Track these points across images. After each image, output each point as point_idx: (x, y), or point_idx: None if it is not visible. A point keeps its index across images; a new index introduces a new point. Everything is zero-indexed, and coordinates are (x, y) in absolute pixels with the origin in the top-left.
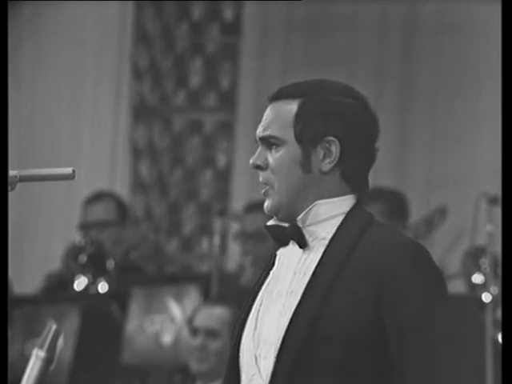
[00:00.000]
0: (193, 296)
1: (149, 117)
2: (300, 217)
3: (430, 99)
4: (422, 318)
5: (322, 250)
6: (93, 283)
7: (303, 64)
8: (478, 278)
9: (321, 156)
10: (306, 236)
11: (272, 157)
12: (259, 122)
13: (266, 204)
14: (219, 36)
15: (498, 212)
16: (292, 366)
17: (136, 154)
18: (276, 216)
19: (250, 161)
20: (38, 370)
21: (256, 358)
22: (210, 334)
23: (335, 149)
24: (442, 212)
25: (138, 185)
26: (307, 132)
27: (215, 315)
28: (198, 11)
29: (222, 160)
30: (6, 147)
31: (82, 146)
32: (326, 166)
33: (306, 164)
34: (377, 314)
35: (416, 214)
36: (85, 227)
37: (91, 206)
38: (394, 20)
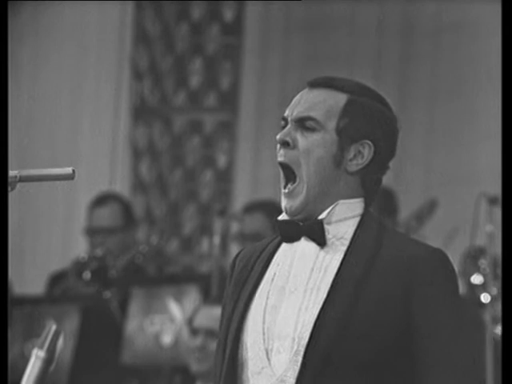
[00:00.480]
0: (193, 296)
1: (149, 117)
2: (324, 215)
3: (428, 99)
4: (453, 321)
5: (341, 248)
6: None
7: (303, 64)
8: (477, 279)
9: (351, 155)
10: (326, 234)
11: (305, 139)
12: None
13: (290, 204)
14: (219, 36)
15: (498, 212)
16: (322, 363)
17: (136, 154)
18: (294, 216)
19: (278, 136)
20: (38, 371)
21: (267, 352)
22: (210, 334)
23: (368, 153)
24: (431, 204)
25: (138, 185)
26: (350, 128)
27: (215, 315)
28: (197, 11)
29: (222, 160)
30: (6, 147)
31: (82, 146)
32: (353, 166)
33: (337, 158)
34: (407, 314)
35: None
36: (90, 232)
37: (97, 209)
38: (392, 21)
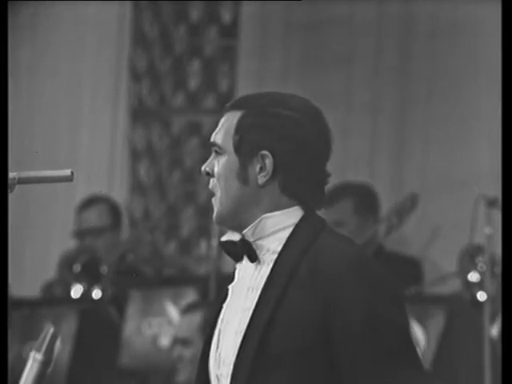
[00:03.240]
0: (191, 298)
1: (147, 118)
2: (246, 231)
3: (427, 100)
4: (368, 324)
5: (271, 264)
6: (88, 291)
7: (302, 65)
8: (473, 277)
9: (257, 169)
10: (257, 250)
11: (217, 164)
12: None
13: (214, 213)
14: (217, 38)
15: (496, 214)
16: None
17: (135, 155)
18: (223, 225)
19: (201, 168)
20: (36, 373)
21: (218, 378)
22: (183, 343)
23: (269, 163)
24: (412, 200)
25: (137, 187)
26: (244, 144)
27: (185, 324)
28: (196, 13)
29: None
30: (6, 149)
31: (81, 147)
32: (262, 179)
33: (242, 176)
34: (325, 326)
35: (412, 215)
36: (79, 234)
37: (85, 211)
38: (391, 21)
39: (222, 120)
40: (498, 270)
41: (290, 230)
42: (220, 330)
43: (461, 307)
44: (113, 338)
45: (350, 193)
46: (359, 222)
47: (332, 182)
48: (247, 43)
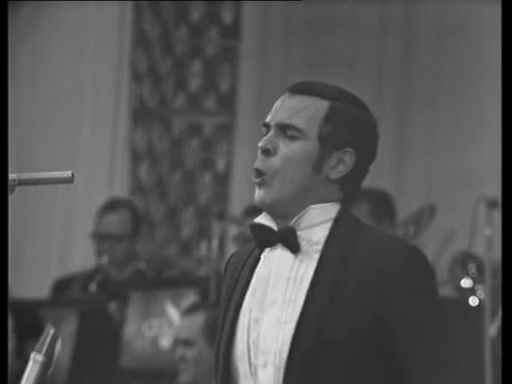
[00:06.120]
0: (191, 300)
1: (148, 120)
2: (294, 220)
3: (429, 102)
4: (427, 318)
5: (315, 255)
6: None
7: (303, 66)
8: (466, 283)
9: (333, 163)
10: (298, 240)
11: (286, 146)
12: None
13: (262, 195)
14: (218, 39)
15: (496, 215)
16: (301, 374)
17: (135, 156)
18: (268, 210)
19: (260, 144)
20: (36, 374)
21: (253, 368)
22: (186, 343)
23: (349, 160)
24: (430, 210)
25: (138, 188)
26: (333, 136)
27: (186, 325)
28: (196, 14)
29: (221, 163)
30: (6, 151)
31: (82, 149)
32: (335, 174)
33: (318, 165)
34: (381, 317)
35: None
36: (98, 238)
37: (107, 215)
38: (394, 22)
39: (297, 103)
40: (496, 273)
41: (329, 223)
42: (250, 319)
43: (460, 308)
44: (113, 339)
45: (367, 197)
46: (375, 226)
47: None
48: (248, 44)
